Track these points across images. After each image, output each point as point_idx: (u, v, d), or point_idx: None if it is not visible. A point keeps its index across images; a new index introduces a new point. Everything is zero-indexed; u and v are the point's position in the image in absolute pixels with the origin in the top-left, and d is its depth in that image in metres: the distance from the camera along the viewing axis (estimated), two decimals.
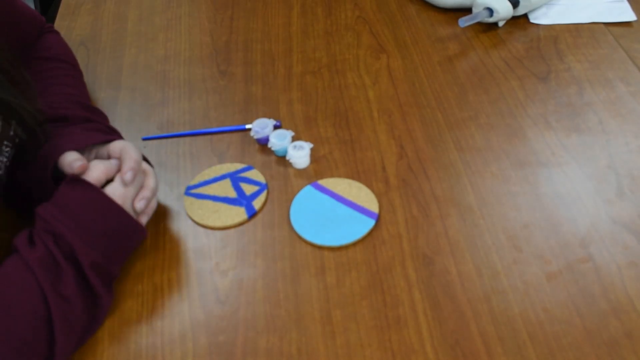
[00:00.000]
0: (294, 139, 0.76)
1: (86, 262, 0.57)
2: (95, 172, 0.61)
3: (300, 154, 0.73)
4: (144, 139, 0.80)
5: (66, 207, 0.58)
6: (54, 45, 0.81)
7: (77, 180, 0.60)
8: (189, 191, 0.72)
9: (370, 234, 0.66)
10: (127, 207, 0.62)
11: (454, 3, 0.95)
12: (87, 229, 0.58)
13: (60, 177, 0.62)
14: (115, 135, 0.69)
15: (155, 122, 0.82)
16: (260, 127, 0.76)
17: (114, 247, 0.60)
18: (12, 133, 0.60)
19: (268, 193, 0.71)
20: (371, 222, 0.67)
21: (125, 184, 0.62)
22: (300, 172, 0.74)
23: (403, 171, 0.72)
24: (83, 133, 0.66)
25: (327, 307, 0.60)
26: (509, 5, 0.89)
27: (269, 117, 0.80)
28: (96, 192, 0.60)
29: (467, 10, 0.95)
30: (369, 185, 0.71)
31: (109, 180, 0.63)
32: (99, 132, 0.68)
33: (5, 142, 0.59)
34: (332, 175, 0.73)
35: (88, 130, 0.67)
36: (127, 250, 0.63)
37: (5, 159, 0.59)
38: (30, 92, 0.61)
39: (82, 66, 0.90)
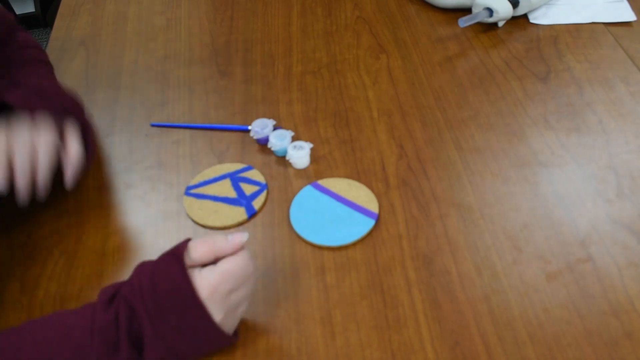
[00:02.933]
0: (293, 139, 0.76)
1: (151, 354, 0.51)
2: (198, 252, 0.53)
3: (300, 154, 0.73)
4: (153, 125, 0.81)
5: (155, 288, 0.52)
6: (25, 40, 0.80)
7: (179, 263, 0.52)
8: (188, 191, 0.72)
9: (370, 234, 0.66)
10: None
11: (454, 3, 0.95)
12: (163, 319, 0.51)
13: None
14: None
15: (156, 122, 0.82)
16: (260, 127, 0.76)
17: (184, 348, 0.53)
18: None
19: (268, 193, 0.71)
20: (371, 222, 0.67)
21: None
22: (300, 172, 0.74)
23: (403, 171, 0.73)
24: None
25: (327, 307, 0.60)
26: (509, 6, 0.89)
27: (269, 117, 0.80)
28: (191, 293, 0.51)
29: (467, 10, 0.95)
30: (369, 185, 0.71)
31: None
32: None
33: None
34: (332, 175, 0.73)
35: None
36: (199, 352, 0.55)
37: None
38: None
39: (82, 66, 0.90)
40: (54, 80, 0.77)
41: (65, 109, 0.69)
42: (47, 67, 0.80)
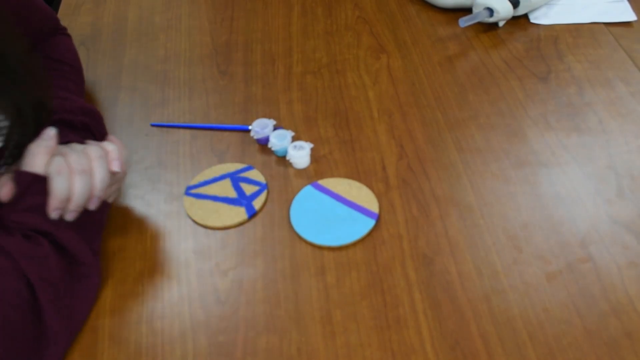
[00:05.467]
0: (294, 139, 0.76)
1: (60, 236, 0.58)
2: (38, 158, 0.59)
3: (300, 154, 0.73)
4: (153, 125, 0.81)
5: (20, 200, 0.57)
6: (61, 46, 0.81)
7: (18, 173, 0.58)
8: (189, 191, 0.72)
9: (370, 234, 0.66)
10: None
11: (454, 3, 0.95)
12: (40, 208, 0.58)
13: None
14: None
15: (156, 122, 0.82)
16: (260, 127, 0.76)
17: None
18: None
19: (268, 193, 0.71)
20: (371, 222, 0.67)
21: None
22: (300, 172, 0.74)
23: (403, 171, 0.73)
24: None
25: (327, 307, 0.60)
26: (509, 5, 0.89)
27: (269, 117, 0.80)
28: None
29: (467, 10, 0.95)
30: (369, 185, 0.71)
31: None
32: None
33: None
34: (332, 175, 0.73)
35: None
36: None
37: None
38: (35, 85, 0.61)
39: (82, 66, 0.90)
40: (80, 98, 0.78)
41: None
42: (77, 84, 0.81)
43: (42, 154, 0.58)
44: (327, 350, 0.57)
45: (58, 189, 0.58)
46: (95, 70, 0.91)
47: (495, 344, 0.56)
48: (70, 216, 0.60)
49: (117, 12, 1.04)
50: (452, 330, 0.58)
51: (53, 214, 0.58)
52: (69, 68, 0.79)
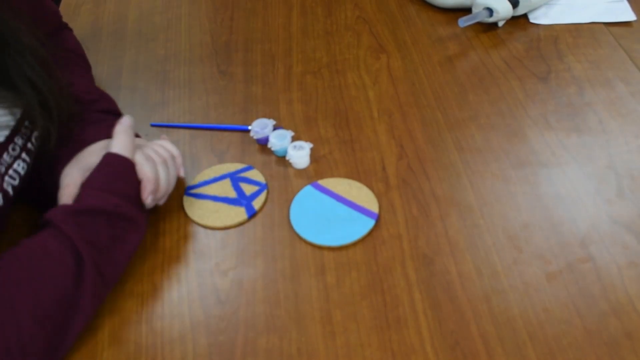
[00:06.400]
0: (294, 139, 0.76)
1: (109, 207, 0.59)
2: (130, 144, 0.63)
3: (300, 154, 0.73)
4: (153, 125, 0.81)
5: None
6: (68, 39, 0.83)
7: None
8: (188, 191, 0.72)
9: (370, 234, 0.66)
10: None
11: (454, 3, 0.95)
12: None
13: None
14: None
15: (156, 122, 0.82)
16: (260, 127, 0.76)
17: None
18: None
19: (268, 193, 0.71)
20: (371, 222, 0.67)
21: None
22: (300, 172, 0.74)
23: (403, 171, 0.73)
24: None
25: (327, 307, 0.60)
26: (509, 5, 0.89)
27: (269, 117, 0.80)
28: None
29: (467, 10, 0.95)
30: (369, 185, 0.71)
31: None
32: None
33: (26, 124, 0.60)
34: (332, 175, 0.73)
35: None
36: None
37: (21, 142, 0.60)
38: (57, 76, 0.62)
39: None
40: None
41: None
42: (89, 73, 0.83)
43: (131, 143, 0.62)
44: (327, 350, 0.57)
45: (150, 173, 0.62)
46: (95, 70, 0.91)
47: (495, 344, 0.56)
48: (151, 203, 0.63)
49: (117, 12, 1.04)
50: (452, 330, 0.58)
51: (149, 199, 0.62)
52: (80, 58, 0.82)
